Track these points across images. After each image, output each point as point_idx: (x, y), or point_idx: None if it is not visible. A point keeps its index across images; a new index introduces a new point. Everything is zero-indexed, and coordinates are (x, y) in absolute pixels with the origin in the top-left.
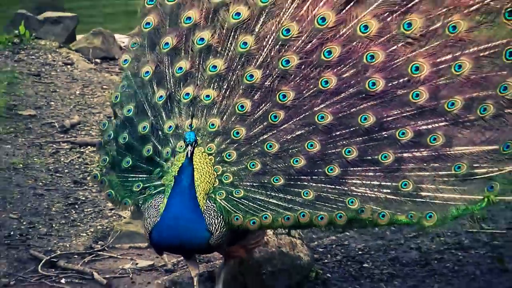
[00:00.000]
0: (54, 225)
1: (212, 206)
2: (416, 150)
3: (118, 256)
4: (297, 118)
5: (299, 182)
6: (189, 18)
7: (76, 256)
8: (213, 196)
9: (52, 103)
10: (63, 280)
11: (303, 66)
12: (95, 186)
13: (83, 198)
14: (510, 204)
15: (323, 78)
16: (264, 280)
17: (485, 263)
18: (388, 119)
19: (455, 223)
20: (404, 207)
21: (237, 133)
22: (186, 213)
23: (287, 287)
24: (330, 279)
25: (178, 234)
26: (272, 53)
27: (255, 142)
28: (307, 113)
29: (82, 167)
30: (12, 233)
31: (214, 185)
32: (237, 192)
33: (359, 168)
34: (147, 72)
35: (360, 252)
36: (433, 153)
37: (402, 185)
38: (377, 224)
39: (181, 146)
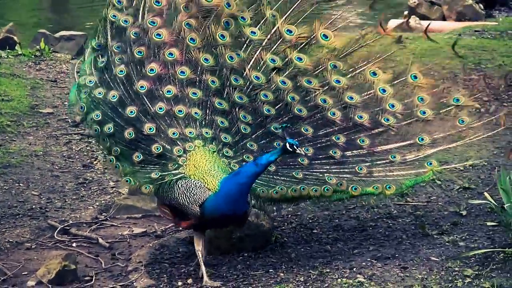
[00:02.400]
0: (67, 200)
1: None
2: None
3: (118, 225)
4: (260, 131)
5: (284, 168)
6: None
7: (84, 225)
8: None
9: (66, 103)
10: (74, 244)
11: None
12: (100, 168)
13: (90, 179)
14: (430, 182)
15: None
16: (235, 243)
17: (410, 229)
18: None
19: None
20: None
21: (225, 138)
22: (244, 190)
23: (253, 248)
24: (286, 242)
25: (234, 205)
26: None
27: (241, 143)
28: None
29: (90, 153)
30: (33, 206)
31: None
32: None
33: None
34: (142, 86)
35: (310, 221)
36: (367, 151)
37: (358, 169)
38: (352, 195)
39: (190, 146)
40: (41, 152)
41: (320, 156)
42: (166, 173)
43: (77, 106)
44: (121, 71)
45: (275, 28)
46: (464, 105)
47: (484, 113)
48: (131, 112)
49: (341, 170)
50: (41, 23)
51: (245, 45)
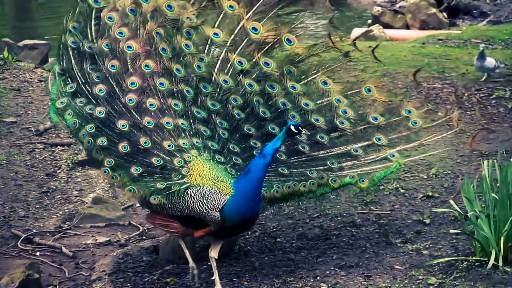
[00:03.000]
0: (30, 209)
1: None
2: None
3: (82, 234)
4: (237, 135)
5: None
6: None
7: (48, 234)
8: None
9: (29, 112)
10: (37, 253)
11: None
12: (64, 177)
13: (54, 187)
14: (393, 190)
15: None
16: (198, 252)
17: (374, 238)
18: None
19: (349, 206)
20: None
21: (212, 145)
22: (259, 185)
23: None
24: (250, 251)
25: (252, 204)
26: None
27: (226, 148)
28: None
29: (53, 162)
30: None
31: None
32: None
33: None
34: (130, 99)
35: (274, 229)
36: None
37: (330, 164)
38: (334, 188)
39: (189, 156)
40: (4, 161)
41: (292, 151)
42: (172, 182)
43: (69, 122)
44: (101, 89)
45: (239, 26)
46: (415, 117)
47: (447, 121)
48: (123, 126)
49: (316, 164)
50: (5, 32)
51: (207, 47)
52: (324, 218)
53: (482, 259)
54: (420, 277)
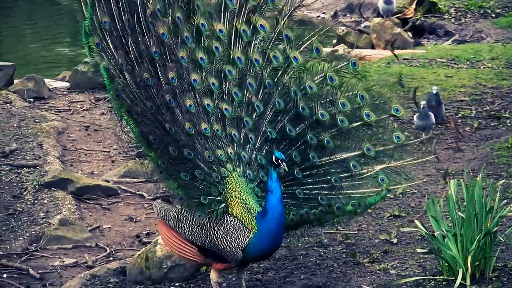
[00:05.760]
0: None
1: None
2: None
3: (49, 256)
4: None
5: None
6: None
7: (15, 256)
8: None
9: None
10: (4, 275)
11: None
12: (30, 199)
13: (20, 209)
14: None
15: None
16: (166, 273)
17: (341, 258)
18: None
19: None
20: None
21: (244, 156)
22: (282, 222)
23: (184, 278)
24: None
25: (275, 241)
26: None
27: (253, 157)
28: None
29: (19, 184)
30: None
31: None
32: None
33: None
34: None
35: None
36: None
37: (334, 181)
38: (337, 216)
39: (224, 172)
40: None
41: (303, 162)
42: (212, 198)
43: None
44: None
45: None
46: (400, 116)
47: (415, 142)
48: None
49: (324, 181)
50: None
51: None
52: (291, 238)
53: (449, 278)
54: None
